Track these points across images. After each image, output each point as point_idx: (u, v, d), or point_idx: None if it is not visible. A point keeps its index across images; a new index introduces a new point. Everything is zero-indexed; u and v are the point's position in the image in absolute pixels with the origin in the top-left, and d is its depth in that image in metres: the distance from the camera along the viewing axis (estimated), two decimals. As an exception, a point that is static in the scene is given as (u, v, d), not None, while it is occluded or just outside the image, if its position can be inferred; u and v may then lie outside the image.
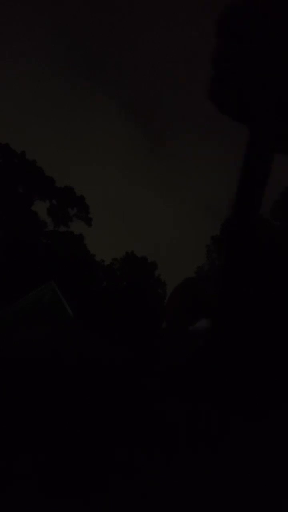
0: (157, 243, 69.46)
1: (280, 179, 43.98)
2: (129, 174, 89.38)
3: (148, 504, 6.00)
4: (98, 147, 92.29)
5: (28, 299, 20.84)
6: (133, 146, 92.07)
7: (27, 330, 17.94)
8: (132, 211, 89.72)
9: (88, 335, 18.06)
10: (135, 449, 8.56)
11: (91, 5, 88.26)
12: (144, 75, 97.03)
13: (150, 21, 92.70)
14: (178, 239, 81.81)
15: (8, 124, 70.59)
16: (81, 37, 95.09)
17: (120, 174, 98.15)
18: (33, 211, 40.83)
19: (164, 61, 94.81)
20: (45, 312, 20.35)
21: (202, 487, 6.87)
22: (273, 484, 6.94)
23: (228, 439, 10.01)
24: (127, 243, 74.19)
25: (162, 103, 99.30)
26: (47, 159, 64.24)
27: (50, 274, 24.54)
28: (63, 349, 12.85)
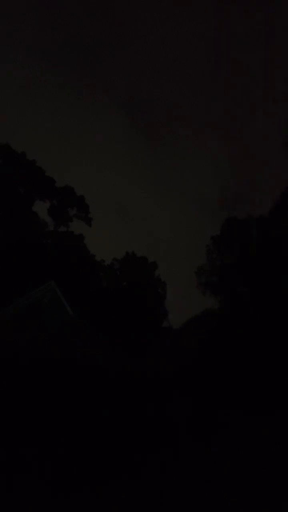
0: (157, 243, 69.43)
1: (280, 179, 43.91)
2: (129, 174, 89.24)
3: (152, 501, 5.99)
4: (98, 147, 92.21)
5: (28, 299, 20.78)
6: (132, 147, 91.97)
7: (27, 330, 17.92)
8: (133, 211, 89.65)
9: (88, 335, 18.04)
10: (135, 446, 8.55)
11: (89, 5, 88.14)
12: (142, 74, 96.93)
13: (148, 18, 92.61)
14: (178, 239, 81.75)
15: (9, 125, 70.54)
16: (79, 37, 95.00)
17: (120, 174, 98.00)
18: (33, 212, 40.77)
19: (162, 59, 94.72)
20: (45, 312, 20.31)
21: (206, 483, 6.87)
22: (276, 480, 6.94)
23: (234, 437, 10.00)
24: (127, 243, 74.23)
25: (160, 103, 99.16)
26: (47, 159, 64.20)
27: (50, 274, 24.48)
28: (64, 348, 12.86)
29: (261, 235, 43.88)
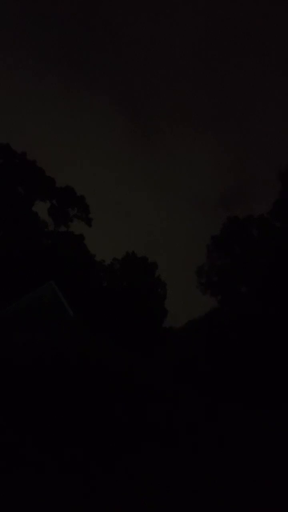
0: (157, 243, 69.41)
1: (280, 179, 43.96)
2: (129, 174, 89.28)
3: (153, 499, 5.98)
4: (98, 147, 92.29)
5: (28, 299, 20.79)
6: (132, 147, 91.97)
7: (27, 330, 17.91)
8: (133, 211, 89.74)
9: (88, 335, 18.04)
10: (135, 443, 8.52)
11: (85, 4, 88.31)
12: (142, 74, 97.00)
13: (144, 17, 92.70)
14: (178, 239, 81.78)
15: (9, 125, 70.60)
16: (79, 37, 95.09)
17: (120, 174, 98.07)
18: (33, 212, 40.72)
19: (161, 59, 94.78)
20: (45, 312, 20.31)
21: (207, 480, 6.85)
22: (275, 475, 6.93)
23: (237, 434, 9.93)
24: (127, 243, 74.24)
25: (160, 103, 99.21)
26: (48, 159, 64.25)
27: (50, 274, 24.48)
28: (64, 348, 12.86)
29: (261, 234, 43.86)
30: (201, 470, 7.92)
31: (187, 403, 13.18)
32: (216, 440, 10.35)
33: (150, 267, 44.58)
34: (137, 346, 23.28)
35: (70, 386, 10.30)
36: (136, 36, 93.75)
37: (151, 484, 6.91)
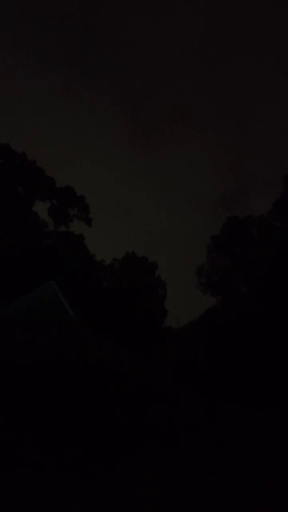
0: (157, 243, 69.44)
1: (280, 179, 43.97)
2: (129, 174, 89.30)
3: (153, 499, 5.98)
4: (98, 147, 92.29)
5: (28, 299, 20.79)
6: (132, 147, 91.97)
7: (27, 330, 17.91)
8: (133, 211, 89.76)
9: (88, 335, 18.03)
10: (134, 444, 8.51)
11: (85, 4, 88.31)
12: (142, 74, 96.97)
13: (144, 17, 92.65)
14: (178, 239, 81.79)
15: (9, 125, 70.61)
16: (79, 37, 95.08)
17: (120, 174, 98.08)
18: (33, 212, 40.70)
19: (161, 58, 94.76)
20: (45, 312, 20.31)
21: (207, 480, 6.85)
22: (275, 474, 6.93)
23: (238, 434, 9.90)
24: (127, 243, 74.29)
25: (160, 103, 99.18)
26: (48, 159, 64.24)
27: (50, 274, 24.48)
28: (64, 348, 12.86)
29: (261, 234, 43.86)
30: (201, 470, 7.91)
31: (187, 403, 13.16)
32: (216, 440, 10.34)
33: (150, 267, 44.56)
34: (137, 346, 23.26)
35: (70, 386, 10.29)
36: (136, 36, 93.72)
37: (151, 484, 6.91)
